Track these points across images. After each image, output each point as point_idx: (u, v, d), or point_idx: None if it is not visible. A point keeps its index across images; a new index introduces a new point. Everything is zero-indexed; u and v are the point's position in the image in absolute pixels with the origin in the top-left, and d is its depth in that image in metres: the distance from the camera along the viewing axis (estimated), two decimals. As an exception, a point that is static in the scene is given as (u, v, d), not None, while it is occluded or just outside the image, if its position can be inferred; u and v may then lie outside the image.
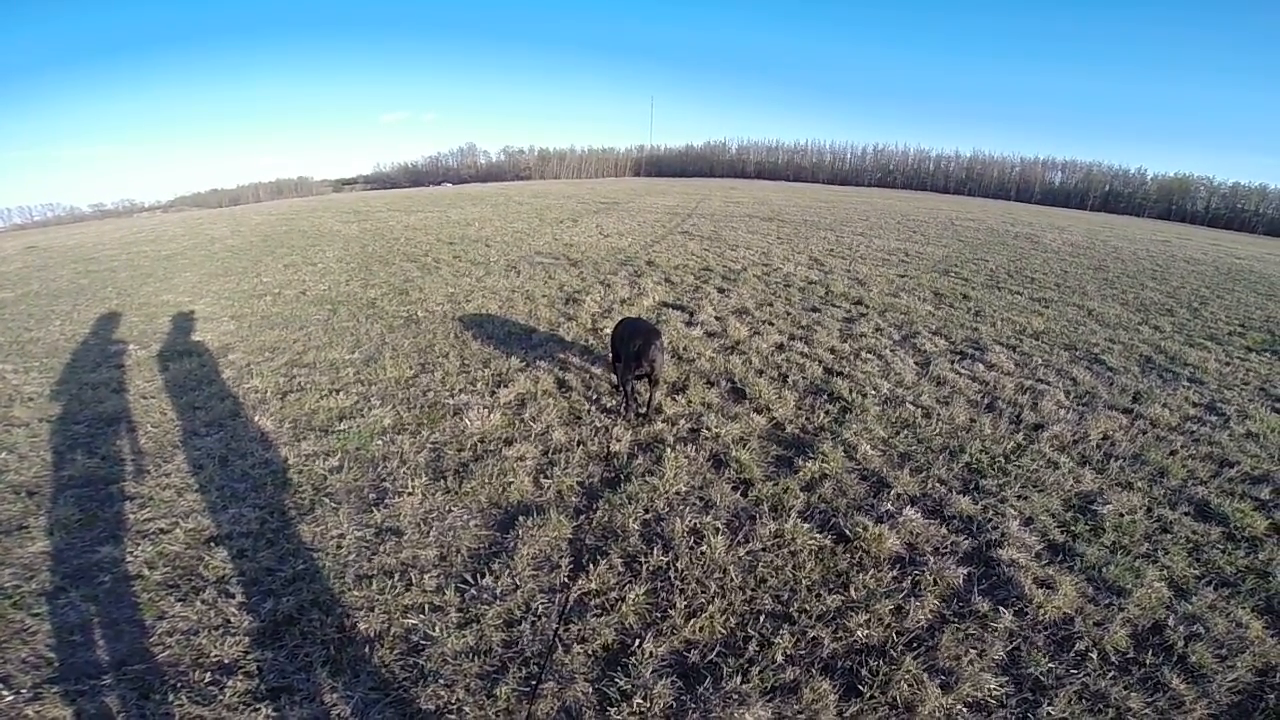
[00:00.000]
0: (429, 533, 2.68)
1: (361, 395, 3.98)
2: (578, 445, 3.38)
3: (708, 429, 3.56)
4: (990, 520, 2.86)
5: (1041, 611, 2.34)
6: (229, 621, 2.19)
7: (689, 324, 5.57)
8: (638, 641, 2.11)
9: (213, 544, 2.59)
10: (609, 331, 5.15)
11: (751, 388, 4.13)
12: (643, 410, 3.73)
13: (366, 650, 2.07)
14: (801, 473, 3.16)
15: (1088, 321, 6.45)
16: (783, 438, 3.55)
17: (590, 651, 2.08)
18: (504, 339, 5.06)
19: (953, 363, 4.83)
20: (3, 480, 3.12)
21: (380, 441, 3.40)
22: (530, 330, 5.30)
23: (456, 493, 2.95)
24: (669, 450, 3.30)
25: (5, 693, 1.92)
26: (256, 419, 3.66)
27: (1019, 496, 3.07)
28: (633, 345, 3.53)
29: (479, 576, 2.40)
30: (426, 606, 2.27)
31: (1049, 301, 7.31)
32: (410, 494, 2.93)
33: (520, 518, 2.75)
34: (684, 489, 3.01)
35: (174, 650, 2.08)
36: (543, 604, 2.28)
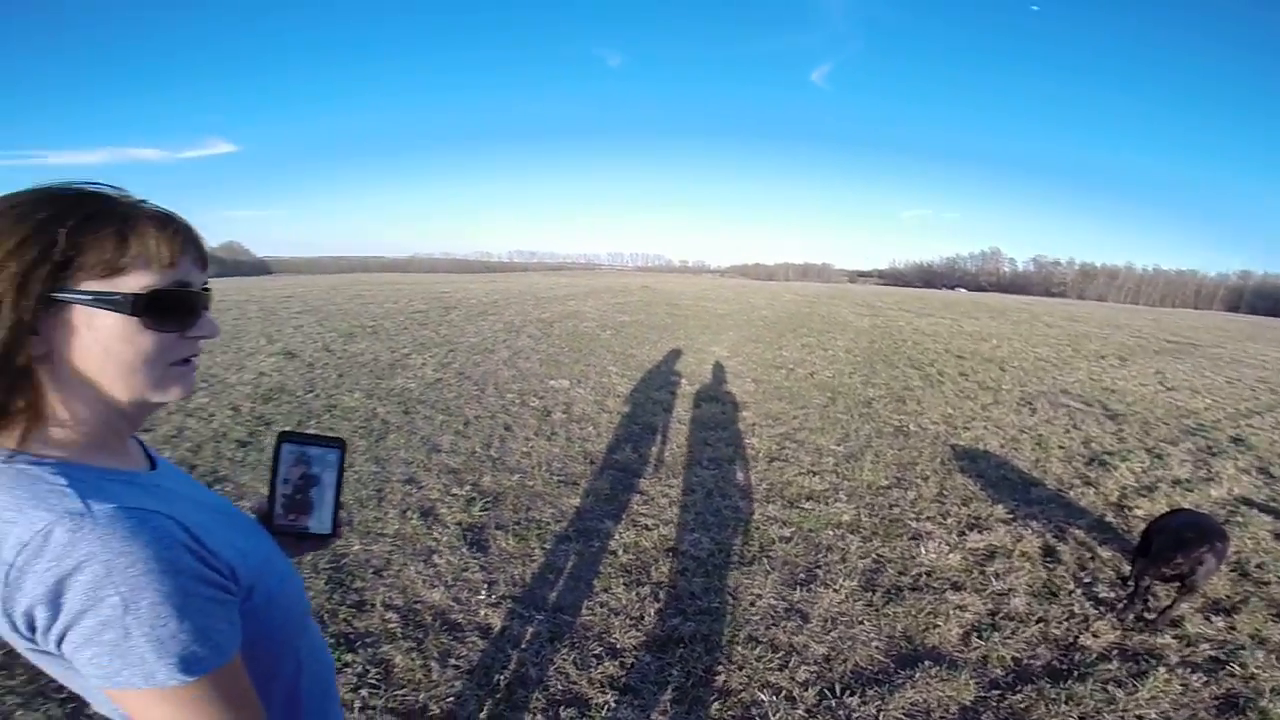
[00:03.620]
0: (830, 631, 2.70)
1: (832, 486, 4.23)
2: (1036, 621, 2.84)
3: (1240, 666, 2.53)
4: None
5: None
6: (642, 619, 2.67)
7: (1281, 538, 3.88)
8: None
9: (669, 554, 3.21)
10: (1139, 512, 4.05)
11: None
12: (1152, 615, 2.85)
13: (710, 698, 2.26)
14: None
15: None
16: None
17: None
18: (995, 482, 4.55)
19: None
20: (582, 447, 4.61)
21: (832, 532, 3.56)
22: (1031, 483, 4.61)
23: (877, 609, 2.88)
24: (1162, 669, 2.48)
25: (484, 592, 2.81)
26: (744, 472, 4.34)
27: None
28: (1178, 536, 2.74)
29: (847, 693, 2.32)
30: (784, 692, 2.30)
31: None
32: (835, 590, 2.99)
33: (926, 662, 2.51)
34: (1153, 716, 2.26)
35: (594, 618, 2.66)
36: None
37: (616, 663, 2.45)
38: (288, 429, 1.01)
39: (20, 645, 0.59)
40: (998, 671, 2.55)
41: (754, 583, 3.03)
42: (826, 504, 3.93)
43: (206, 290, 0.72)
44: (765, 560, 3.24)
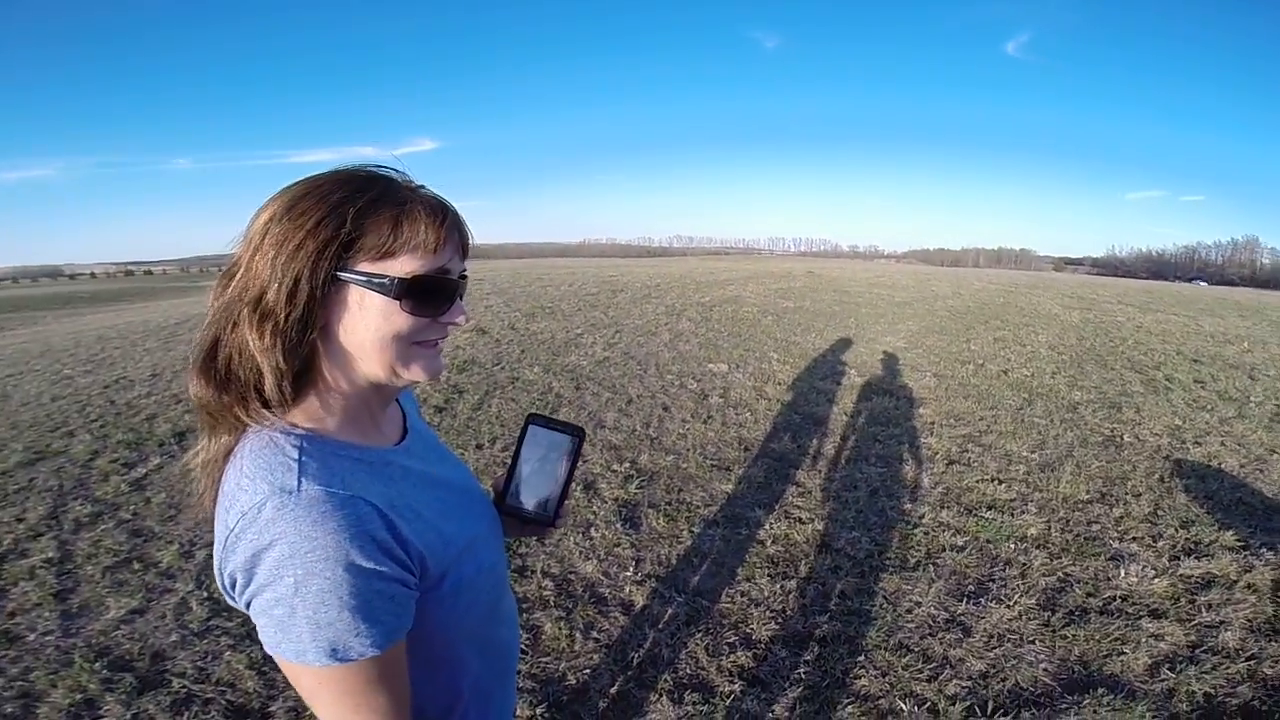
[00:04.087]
0: (994, 648, 2.47)
1: (1021, 495, 3.81)
2: (1247, 658, 2.39)
3: None
4: None
5: None
6: (784, 612, 2.65)
7: None
8: None
9: (823, 550, 3.12)
10: None
11: None
12: None
13: (846, 701, 2.18)
14: None
15: None
16: None
17: None
18: (1227, 506, 3.78)
19: None
20: (737, 432, 4.59)
21: (1013, 545, 3.22)
22: (1276, 509, 3.77)
23: (1054, 630, 2.58)
24: None
25: (629, 572, 2.89)
26: (918, 472, 4.07)
27: None
28: None
29: (1000, 713, 2.13)
30: (929, 705, 2.16)
31: None
32: (1008, 606, 2.72)
33: (1099, 689, 2.23)
34: None
35: (732, 607, 2.69)
36: None
37: (749, 653, 2.45)
38: (537, 411, 1.03)
39: (228, 598, 0.65)
40: (1183, 706, 2.22)
41: (914, 589, 2.87)
42: (1011, 515, 3.56)
43: (464, 278, 0.75)
44: (931, 567, 3.04)
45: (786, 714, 2.19)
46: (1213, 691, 2.30)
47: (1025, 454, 4.51)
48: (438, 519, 0.72)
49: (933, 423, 5.05)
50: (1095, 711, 2.20)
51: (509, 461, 0.88)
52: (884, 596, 2.83)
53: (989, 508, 3.63)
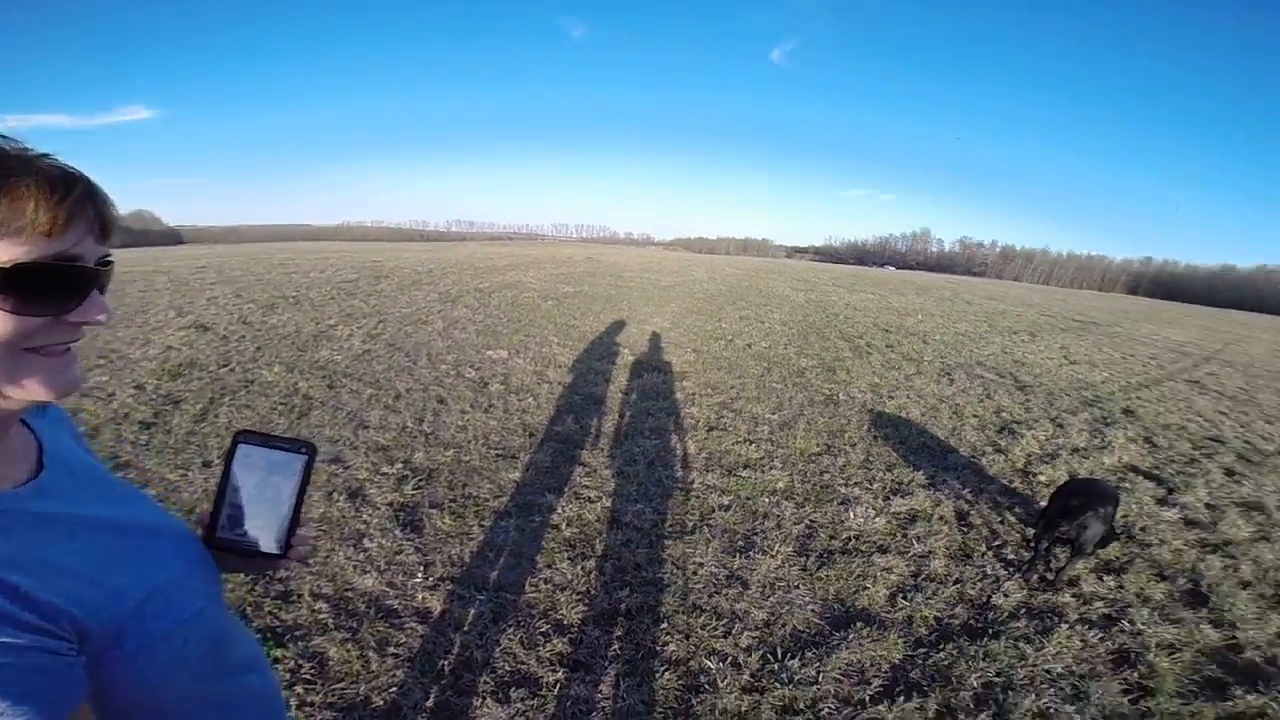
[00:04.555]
0: (769, 597, 2.80)
1: (768, 453, 4.36)
2: (954, 582, 3.04)
3: (1129, 622, 2.80)
4: None
5: None
6: (589, 594, 2.68)
7: (1162, 502, 4.28)
8: None
9: (614, 526, 3.21)
10: (1045, 480, 4.38)
11: (1222, 598, 3.02)
12: (1051, 576, 3.11)
13: (660, 669, 2.31)
14: (1233, 704, 2.32)
15: None
16: (1231, 662, 2.57)
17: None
18: (916, 449, 4.81)
19: None
20: (520, 419, 4.53)
21: (767, 499, 3.67)
22: (948, 449, 4.91)
23: (811, 574, 3.00)
24: (1064, 626, 2.72)
25: (421, 575, 2.72)
26: (684, 441, 4.40)
27: None
28: (1069, 500, 3.00)
29: (788, 655, 2.43)
30: (729, 658, 2.39)
31: None
32: (772, 556, 3.09)
33: (858, 623, 2.65)
34: (1059, 670, 2.46)
35: (538, 595, 2.65)
36: (829, 709, 2.18)
37: (565, 639, 2.44)
38: (247, 427, 0.88)
39: None
40: (922, 631, 2.71)
41: (696, 551, 3.09)
42: (762, 471, 4.04)
43: (105, 265, 0.62)
44: (706, 529, 3.31)
45: (613, 691, 2.19)
46: (940, 615, 2.85)
47: (768, 415, 5.18)
48: (96, 570, 0.59)
49: (694, 394, 5.53)
50: (860, 644, 2.57)
51: (218, 489, 0.75)
52: (672, 563, 3.00)
53: (744, 467, 4.08)
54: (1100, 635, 2.73)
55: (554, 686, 2.21)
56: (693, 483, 3.79)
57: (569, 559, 2.94)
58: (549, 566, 2.88)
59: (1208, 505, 4.30)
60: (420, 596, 2.61)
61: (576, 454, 4.07)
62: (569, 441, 4.25)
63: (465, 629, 2.45)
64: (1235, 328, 22.25)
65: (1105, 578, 3.20)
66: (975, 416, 5.82)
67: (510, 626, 2.48)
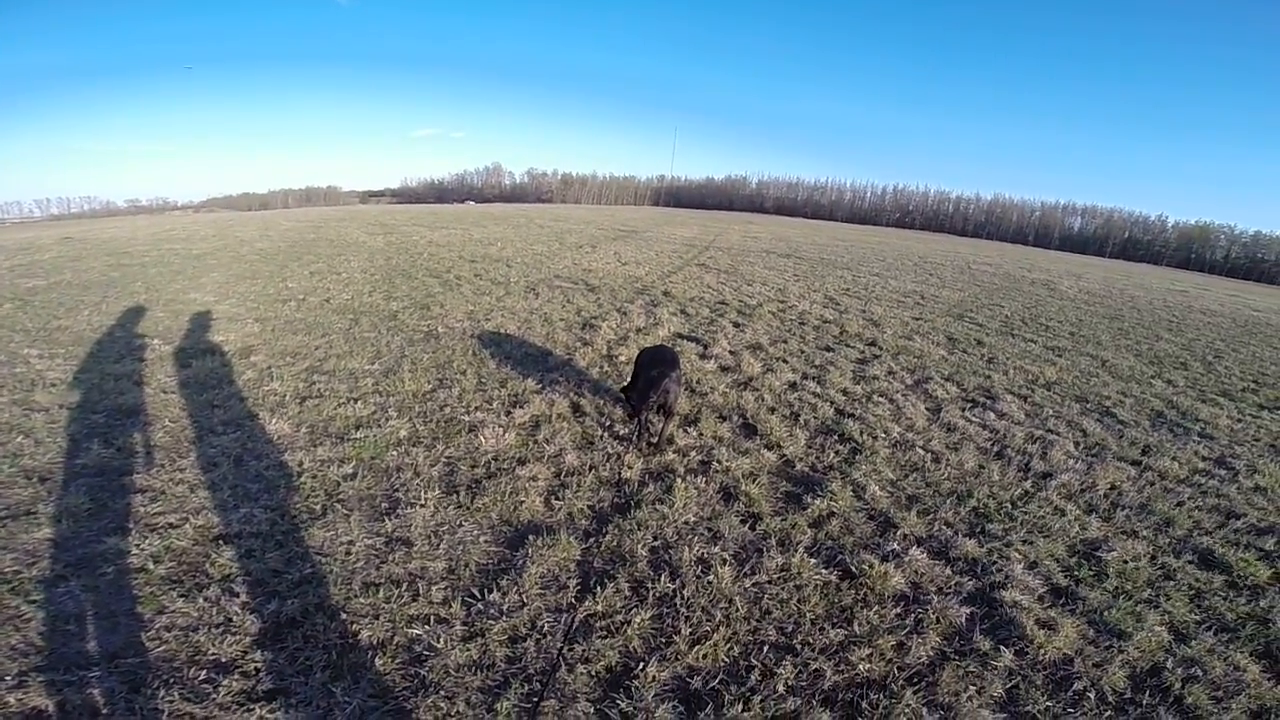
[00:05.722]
0: (439, 545, 2.70)
1: (379, 406, 4.04)
2: (589, 470, 3.41)
3: (718, 462, 3.57)
4: (994, 563, 2.86)
5: (1042, 652, 2.35)
6: (230, 620, 2.21)
7: (703, 357, 5.61)
8: (641, 665, 2.11)
9: (221, 542, 2.62)
10: (624, 359, 5.21)
11: (763, 424, 4.15)
12: (654, 440, 3.76)
13: (368, 657, 2.09)
14: (810, 509, 3.16)
15: (1100, 373, 6.43)
16: (792, 474, 3.57)
17: (593, 672, 2.09)
18: (521, 360, 5.12)
19: (964, 410, 4.83)
20: (16, 464, 3.18)
21: (395, 452, 3.44)
22: (547, 353, 5.37)
23: (468, 508, 2.98)
24: (679, 481, 3.31)
25: None
26: (274, 422, 3.72)
27: (1024, 541, 3.07)
28: (649, 373, 3.57)
29: (486, 592, 2.42)
30: (432, 618, 2.28)
31: (1062, 351, 7.31)
32: (422, 506, 2.96)
33: (530, 536, 2.77)
34: (693, 519, 3.02)
35: (170, 646, 2.10)
36: (548, 623, 2.29)
37: (237, 674, 1.98)
38: None
39: None
40: (584, 522, 2.96)
41: (339, 531, 2.74)
42: (380, 426, 3.74)
43: None
44: (338, 505, 2.93)
45: (330, 700, 1.94)
46: (591, 504, 3.08)
47: (368, 367, 4.79)
48: None
49: (269, 367, 4.70)
50: (541, 555, 2.63)
51: None
52: (319, 552, 2.59)
53: (357, 427, 3.70)
54: (704, 480, 3.38)
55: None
56: (302, 463, 3.27)
57: (181, 596, 2.32)
58: (161, 613, 2.24)
59: (730, 353, 5.80)
60: (13, 699, 1.86)
61: (126, 482, 3.06)
62: (108, 471, 3.15)
63: (104, 711, 1.88)
64: (720, 224, 30.26)
65: (689, 430, 4.00)
66: (562, 320, 6.52)
67: (159, 688, 1.92)
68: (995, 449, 4.13)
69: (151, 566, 2.46)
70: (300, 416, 3.83)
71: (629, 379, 3.96)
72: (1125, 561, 2.98)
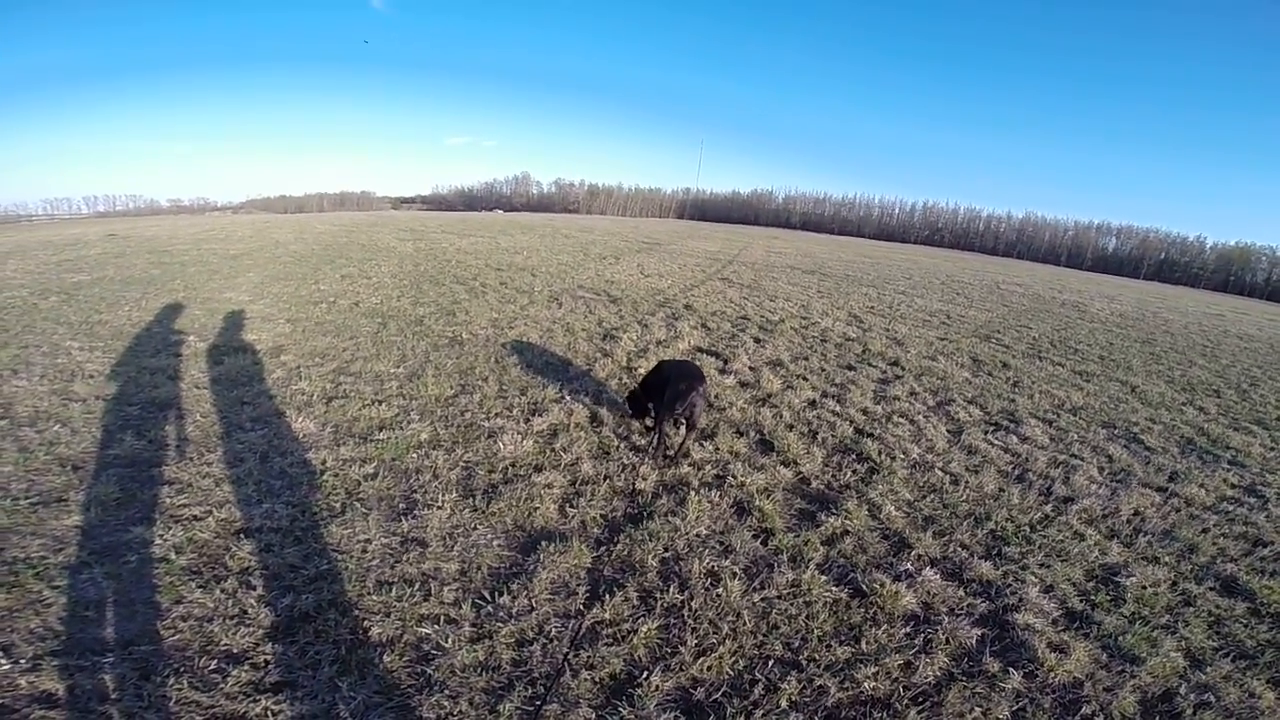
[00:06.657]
0: (453, 547, 2.75)
1: (402, 408, 4.13)
2: (604, 479, 3.43)
3: (733, 477, 3.57)
4: (1009, 586, 2.82)
5: (1052, 674, 2.31)
6: (245, 613, 2.26)
7: (722, 372, 5.62)
8: (645, 674, 2.12)
9: (242, 535, 2.70)
10: (643, 371, 5.24)
11: (780, 441, 4.13)
12: (671, 453, 3.77)
13: (377, 654, 2.13)
14: (823, 527, 3.15)
15: (1129, 399, 6.28)
16: (808, 492, 3.55)
17: (598, 679, 2.11)
18: (542, 368, 5.19)
19: (986, 433, 4.76)
20: (51, 452, 3.31)
21: (415, 455, 3.51)
22: (567, 362, 5.43)
23: (484, 512, 3.02)
24: (693, 494, 3.32)
25: (3, 661, 2.01)
26: (300, 420, 3.83)
27: (1041, 565, 3.02)
28: (676, 387, 3.58)
29: (496, 595, 2.45)
30: (442, 618, 2.32)
31: (1091, 375, 7.15)
32: (439, 508, 3.01)
33: (543, 543, 2.80)
34: (705, 532, 3.02)
35: (184, 635, 2.16)
36: (555, 628, 2.31)
37: (247, 665, 2.03)
38: None
39: None
40: (596, 531, 2.98)
41: (357, 530, 2.80)
42: (402, 428, 3.82)
43: None
44: (358, 504, 3.00)
45: (335, 695, 1.97)
46: (604, 512, 3.11)
47: (393, 370, 4.89)
48: None
49: (298, 367, 4.83)
50: (553, 561, 2.67)
51: None
52: (336, 549, 2.65)
53: (380, 429, 3.79)
54: (719, 494, 3.38)
55: (265, 715, 1.87)
56: (325, 462, 3.35)
57: (199, 587, 2.38)
58: (179, 603, 2.30)
59: (750, 368, 5.80)
60: (25, 682, 1.92)
61: (155, 473, 3.16)
62: (138, 462, 3.26)
63: (113, 696, 1.92)
64: (744, 239, 30.26)
65: (706, 444, 4.00)
66: (584, 330, 6.59)
67: (169, 675, 1.97)
68: (1016, 472, 4.07)
69: (173, 557, 2.55)
70: (326, 416, 3.93)
71: (639, 384, 3.98)
72: (1144, 587, 2.92)
